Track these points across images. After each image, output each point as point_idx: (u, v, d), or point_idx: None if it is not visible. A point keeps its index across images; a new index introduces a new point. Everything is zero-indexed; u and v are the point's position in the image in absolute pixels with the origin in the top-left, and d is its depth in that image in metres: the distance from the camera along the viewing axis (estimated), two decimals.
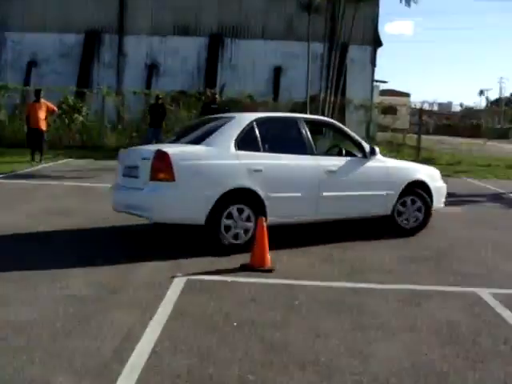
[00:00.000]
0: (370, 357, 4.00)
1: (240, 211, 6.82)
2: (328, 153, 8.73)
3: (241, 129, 7.19)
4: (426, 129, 64.37)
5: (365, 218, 8.40)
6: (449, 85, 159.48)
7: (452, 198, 11.89)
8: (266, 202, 6.97)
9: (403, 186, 8.18)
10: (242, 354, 3.92)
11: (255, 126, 7.34)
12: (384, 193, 8.05)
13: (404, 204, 8.27)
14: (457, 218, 10.17)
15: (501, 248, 7.90)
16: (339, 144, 8.94)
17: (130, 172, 7.29)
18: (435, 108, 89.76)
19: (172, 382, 3.48)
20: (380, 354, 4.05)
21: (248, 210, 6.85)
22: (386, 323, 4.68)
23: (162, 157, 6.63)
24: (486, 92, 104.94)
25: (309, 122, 8.30)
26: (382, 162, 8.29)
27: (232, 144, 7.01)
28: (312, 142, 7.80)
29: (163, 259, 6.40)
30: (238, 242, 6.81)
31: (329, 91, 17.67)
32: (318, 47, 20.22)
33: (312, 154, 7.69)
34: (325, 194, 7.49)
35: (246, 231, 6.86)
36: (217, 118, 8.23)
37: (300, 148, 7.63)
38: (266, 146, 7.35)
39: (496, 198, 13.46)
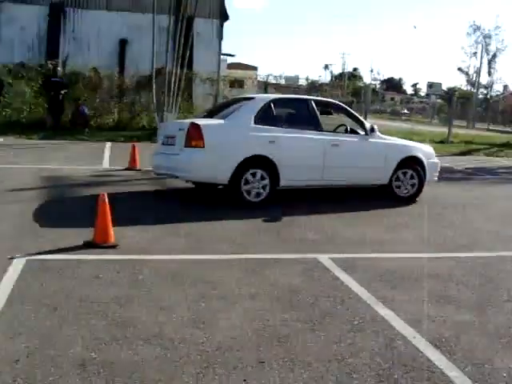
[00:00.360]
0: (214, 326, 4.02)
1: (257, 174, 8.28)
2: (335, 130, 9.77)
3: (259, 107, 8.58)
4: None
5: (365, 185, 9.82)
6: (296, 59, 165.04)
7: None
8: (279, 168, 8.37)
9: (399, 160, 9.45)
10: (84, 333, 3.84)
11: (272, 105, 8.73)
12: (381, 165, 9.35)
13: (400, 176, 9.52)
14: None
15: (342, 217, 8.28)
16: (345, 123, 9.91)
17: (168, 141, 8.74)
18: (282, 81, 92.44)
19: (10, 367, 3.32)
20: (223, 324, 4.09)
21: (264, 173, 8.31)
22: (229, 293, 4.75)
23: (195, 128, 8.10)
24: (330, 66, 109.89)
25: (318, 103, 9.49)
26: (381, 139, 9.59)
27: (252, 120, 8.39)
28: (320, 120, 9.11)
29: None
30: (255, 199, 8.35)
31: (175, 64, 17.41)
32: (165, 20, 19.78)
33: (320, 130, 9.04)
34: (329, 164, 8.83)
35: (264, 188, 8.35)
36: (241, 99, 9.68)
37: (309, 125, 8.93)
38: (281, 122, 8.77)
39: None
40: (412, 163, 9.57)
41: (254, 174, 8.25)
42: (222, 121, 8.59)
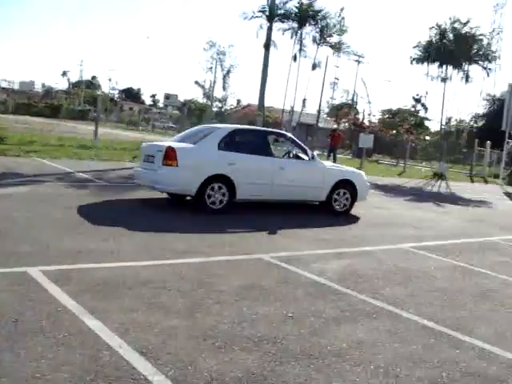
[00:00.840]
0: None
1: (219, 188, 10.22)
2: (283, 156, 12.02)
3: (222, 136, 10.70)
4: (5, 107, 61.84)
5: (305, 201, 12.08)
6: (33, 64, 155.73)
7: (21, 179, 11.58)
8: (236, 185, 10.35)
9: (335, 181, 11.67)
10: None
11: (232, 134, 10.97)
12: (320, 185, 11.55)
13: (338, 194, 11.75)
14: (23, 198, 9.91)
15: (81, 227, 7.96)
16: (292, 150, 12.03)
17: (149, 159, 10.60)
18: (16, 86, 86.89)
19: None
20: None
21: (224, 187, 10.26)
22: None
23: (171, 150, 10.03)
24: (67, 73, 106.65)
25: (270, 133, 12.47)
26: (321, 164, 11.87)
27: (216, 146, 10.44)
28: (270, 147, 11.60)
29: None
30: (215, 207, 10.25)
31: None
32: None
33: (270, 155, 11.26)
34: (277, 183, 10.96)
35: (221, 201, 10.30)
36: (210, 128, 11.82)
37: (262, 151, 11.06)
38: (239, 148, 10.79)
39: (63, 177, 13.63)
40: (346, 185, 11.81)
41: (214, 188, 10.19)
42: (192, 145, 10.53)
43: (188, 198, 10.85)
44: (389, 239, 9.66)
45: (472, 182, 32.82)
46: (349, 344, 4.61)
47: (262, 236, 8.89)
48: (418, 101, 65.33)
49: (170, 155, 9.96)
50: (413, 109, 68.87)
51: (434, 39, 39.25)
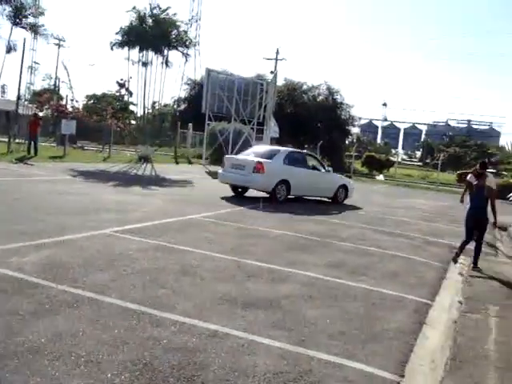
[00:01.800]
0: None
1: (282, 188, 16.75)
2: (312, 168, 18.49)
3: (285, 155, 17.39)
4: None
5: (324, 197, 18.87)
6: None
7: None
8: (291, 186, 16.90)
9: (338, 185, 18.89)
10: None
11: (289, 154, 17.75)
12: (332, 187, 18.63)
13: (339, 192, 18.80)
14: None
15: None
16: (316, 165, 18.94)
17: (237, 167, 16.86)
18: None
19: None
20: None
21: (285, 187, 16.81)
22: None
23: (259, 163, 16.27)
24: None
25: (307, 154, 19.78)
26: (332, 174, 19.16)
27: (282, 161, 16.98)
28: (308, 162, 18.35)
29: None
30: (280, 199, 16.65)
31: None
32: None
33: (308, 168, 18.09)
34: (311, 185, 17.83)
35: (282, 195, 16.80)
36: (274, 148, 19.24)
37: (304, 164, 17.98)
38: (292, 163, 17.35)
39: None
40: (343, 187, 19.07)
41: (280, 188, 16.64)
42: (270, 160, 16.69)
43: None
44: (91, 225, 9.47)
45: (177, 163, 34.33)
46: (48, 338, 4.41)
47: None
48: (122, 85, 65.43)
49: (259, 167, 16.27)
50: (117, 94, 68.87)
51: (134, 24, 39.64)
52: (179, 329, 5.01)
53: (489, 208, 9.91)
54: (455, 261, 10.11)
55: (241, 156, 18.24)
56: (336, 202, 18.61)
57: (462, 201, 12.55)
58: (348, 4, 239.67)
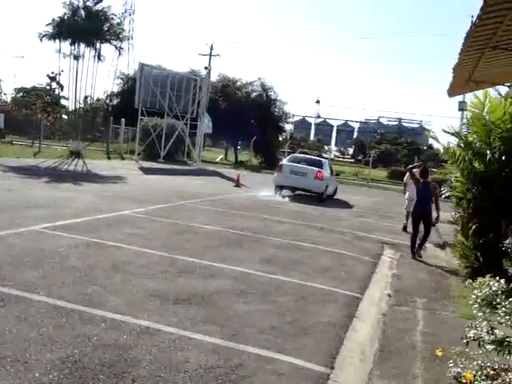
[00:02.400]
0: None
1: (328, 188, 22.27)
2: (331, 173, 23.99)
3: (328, 164, 24.35)
4: None
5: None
6: None
7: None
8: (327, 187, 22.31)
9: (336, 185, 25.06)
10: None
11: (329, 163, 25.63)
12: (333, 184, 24.10)
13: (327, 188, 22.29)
14: None
15: None
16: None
17: (298, 173, 21.09)
18: None
19: None
20: None
21: (327, 188, 22.01)
22: None
23: (320, 172, 21.17)
24: None
25: (329, 161, 30.99)
26: (334, 177, 25.71)
27: (328, 170, 22.77)
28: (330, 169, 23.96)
29: None
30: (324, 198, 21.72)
31: None
32: None
33: (332, 174, 24.70)
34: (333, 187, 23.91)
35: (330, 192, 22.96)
36: (317, 159, 25.71)
37: (332, 171, 24.38)
38: (329, 170, 23.40)
39: None
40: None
41: (326, 189, 21.51)
42: (321, 169, 21.37)
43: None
44: (20, 222, 9.21)
45: (109, 158, 33.74)
46: None
47: None
48: (53, 79, 63.64)
49: (319, 175, 20.81)
50: (48, 87, 66.97)
51: (66, 15, 38.66)
52: (110, 325, 4.96)
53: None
54: (419, 255, 10.90)
55: (300, 164, 21.88)
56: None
57: (404, 192, 15.56)
58: (285, 2, 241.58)
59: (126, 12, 64.20)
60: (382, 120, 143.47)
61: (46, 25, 36.89)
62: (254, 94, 54.95)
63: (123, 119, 39.47)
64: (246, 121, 50.00)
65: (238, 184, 23.45)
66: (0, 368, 3.87)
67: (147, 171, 26.76)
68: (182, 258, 8.03)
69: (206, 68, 44.10)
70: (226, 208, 14.76)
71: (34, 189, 14.35)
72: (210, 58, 46.52)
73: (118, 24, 44.91)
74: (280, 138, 62.16)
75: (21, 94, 62.97)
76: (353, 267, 9.18)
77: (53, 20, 36.11)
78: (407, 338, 5.92)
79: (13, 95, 62.43)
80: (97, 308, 5.37)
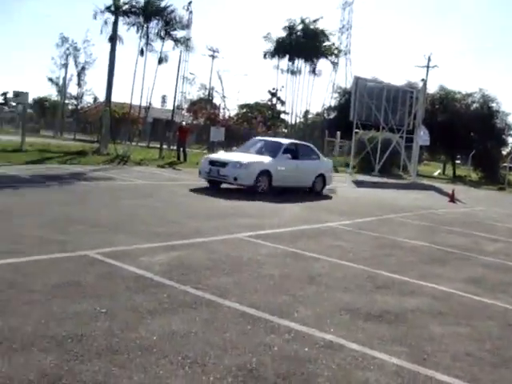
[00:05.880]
0: None
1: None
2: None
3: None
4: None
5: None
6: None
7: None
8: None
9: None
10: None
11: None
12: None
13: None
14: None
15: None
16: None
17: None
18: None
19: None
20: None
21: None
22: None
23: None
24: None
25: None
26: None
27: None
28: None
29: None
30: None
31: None
32: None
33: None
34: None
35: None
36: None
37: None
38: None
39: None
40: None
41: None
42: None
43: None
44: (227, 229, 9.65)
45: None
46: (160, 336, 4.47)
47: None
48: (273, 94, 66.92)
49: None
50: (269, 103, 70.64)
51: (285, 34, 40.35)
52: (293, 337, 4.86)
53: None
54: None
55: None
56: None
57: None
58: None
59: (343, 27, 65.04)
60: None
61: (263, 37, 38.69)
62: (474, 106, 51.82)
63: (338, 132, 39.93)
64: (465, 133, 47.36)
65: (452, 199, 22.14)
66: (179, 368, 3.97)
67: (360, 184, 26.60)
68: (381, 272, 7.70)
69: (422, 80, 42.76)
70: (436, 223, 13.99)
71: (242, 198, 15.00)
72: (427, 70, 45.16)
73: (332, 43, 45.70)
74: (503, 152, 57.60)
75: (244, 109, 67.25)
76: None
77: (268, 34, 37.97)
78: None
79: (236, 111, 67.03)
80: (284, 318, 5.31)
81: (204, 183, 17.01)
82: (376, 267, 7.96)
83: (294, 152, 17.82)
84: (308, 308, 5.74)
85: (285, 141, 19.49)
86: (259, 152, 17.71)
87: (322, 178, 18.81)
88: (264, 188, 16.25)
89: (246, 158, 16.67)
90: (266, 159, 16.84)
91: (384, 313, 5.85)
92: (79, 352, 4.02)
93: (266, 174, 16.33)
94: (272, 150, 17.56)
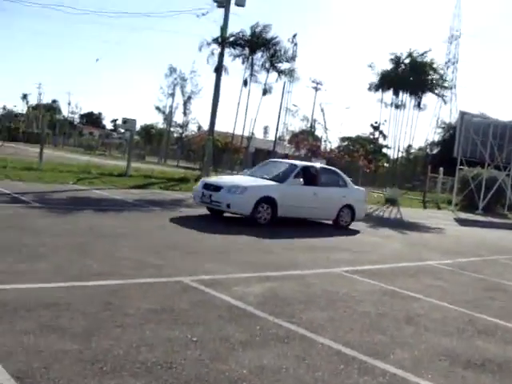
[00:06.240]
0: None
1: None
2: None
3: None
4: None
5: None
6: None
7: None
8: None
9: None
10: None
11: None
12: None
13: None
14: None
15: None
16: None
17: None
18: None
19: None
20: None
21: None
22: None
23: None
24: (27, 96, 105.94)
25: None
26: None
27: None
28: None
29: None
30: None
31: None
32: None
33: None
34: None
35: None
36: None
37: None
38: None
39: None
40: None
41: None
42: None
43: None
44: (323, 263, 9.50)
45: (424, 208, 33.19)
46: (250, 370, 4.38)
47: None
48: (376, 128, 66.30)
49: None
50: (371, 136, 70.00)
51: (392, 67, 39.96)
52: (388, 380, 4.62)
53: None
54: None
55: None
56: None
57: None
58: None
59: (449, 61, 63.66)
60: None
61: (368, 66, 38.35)
62: None
63: (441, 168, 38.72)
64: None
65: None
66: None
67: (463, 222, 25.49)
68: (484, 317, 7.23)
69: None
70: None
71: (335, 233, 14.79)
72: None
73: (441, 75, 44.66)
74: None
75: (346, 142, 66.98)
76: None
77: (372, 63, 37.64)
78: None
79: (337, 143, 66.85)
80: (379, 359, 5.07)
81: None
82: (478, 311, 7.51)
83: (311, 177, 15.06)
84: (405, 350, 5.46)
85: (300, 163, 16.17)
86: (267, 175, 14.89)
87: (351, 210, 15.72)
88: (267, 218, 13.48)
89: (246, 181, 14.16)
90: (271, 184, 14.13)
91: (486, 361, 5.46)
92: (168, 380, 4.01)
93: (268, 201, 13.44)
94: (282, 173, 14.87)
